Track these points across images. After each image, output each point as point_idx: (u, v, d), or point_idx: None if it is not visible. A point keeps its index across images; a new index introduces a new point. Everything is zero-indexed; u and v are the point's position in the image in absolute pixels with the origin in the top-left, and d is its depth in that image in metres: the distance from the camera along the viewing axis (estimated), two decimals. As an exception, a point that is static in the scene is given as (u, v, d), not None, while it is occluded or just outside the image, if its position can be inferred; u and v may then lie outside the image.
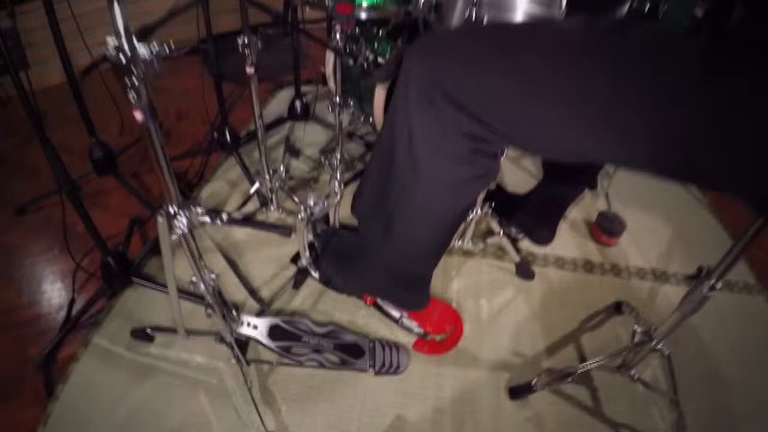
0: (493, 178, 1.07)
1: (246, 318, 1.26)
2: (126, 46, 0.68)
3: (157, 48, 0.72)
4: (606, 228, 1.73)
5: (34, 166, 1.92)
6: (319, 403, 1.24)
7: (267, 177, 1.63)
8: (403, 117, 0.98)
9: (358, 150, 2.03)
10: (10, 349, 1.34)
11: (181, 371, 1.29)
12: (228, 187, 1.86)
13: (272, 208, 1.71)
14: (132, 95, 0.74)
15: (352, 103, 1.89)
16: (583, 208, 1.88)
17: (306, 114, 2.14)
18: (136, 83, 0.73)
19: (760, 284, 1.64)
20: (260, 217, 1.73)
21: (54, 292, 1.49)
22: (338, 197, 1.39)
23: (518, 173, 2.03)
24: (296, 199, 1.69)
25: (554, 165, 1.61)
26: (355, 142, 2.05)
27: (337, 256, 1.39)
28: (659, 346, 1.20)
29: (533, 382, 1.26)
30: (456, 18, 1.13)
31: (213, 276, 1.08)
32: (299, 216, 1.31)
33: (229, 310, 1.22)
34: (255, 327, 1.25)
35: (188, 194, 1.79)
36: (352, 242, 1.40)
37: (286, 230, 1.64)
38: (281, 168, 1.72)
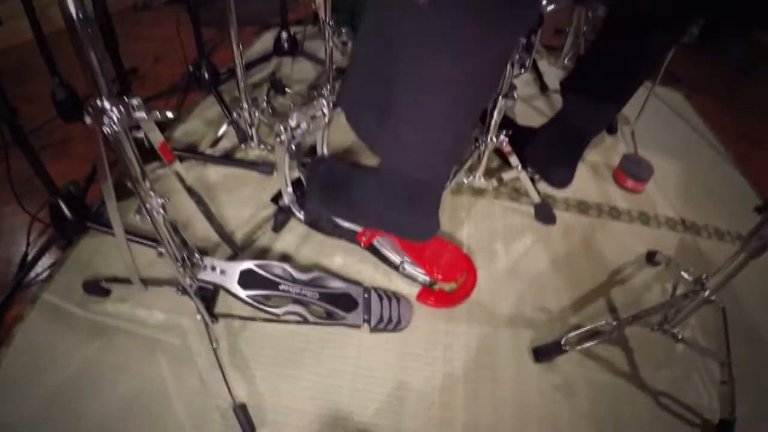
0: (532, 21, 0.76)
1: (210, 261, 0.96)
2: None
3: None
4: (632, 171, 1.45)
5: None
6: (300, 367, 0.96)
7: (245, 107, 1.33)
8: None
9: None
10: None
11: (138, 330, 1.01)
12: (204, 126, 1.56)
13: (252, 144, 1.41)
14: None
15: (344, 31, 1.59)
16: (603, 152, 1.61)
17: (294, 48, 1.82)
18: None
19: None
20: (239, 155, 1.43)
21: (8, 248, 1.20)
22: (326, 118, 1.09)
23: (530, 114, 1.75)
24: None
25: (576, 94, 1.31)
26: (348, 78, 1.74)
27: (325, 186, 1.09)
28: (713, 298, 0.94)
29: (563, 341, 0.99)
30: None
31: (161, 201, 0.79)
32: (279, 139, 1.02)
33: (190, 251, 0.93)
34: (222, 272, 0.96)
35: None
36: (343, 171, 1.10)
37: (267, 168, 1.34)
38: (262, 99, 1.41)
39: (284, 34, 1.82)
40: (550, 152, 1.38)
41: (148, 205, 0.81)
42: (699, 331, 1.11)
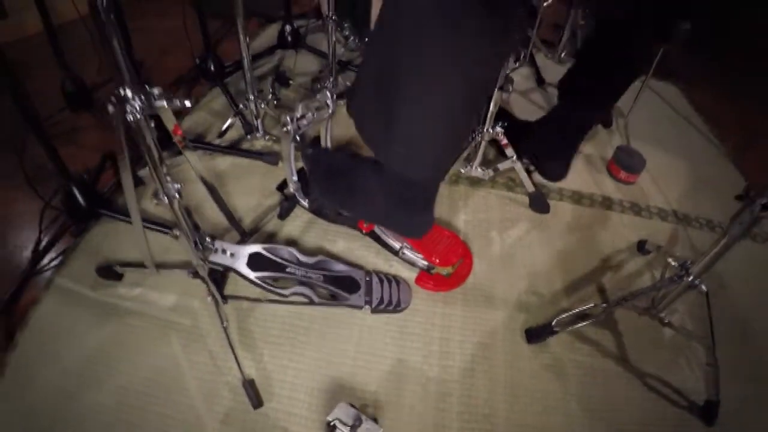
0: (517, 44, 0.83)
1: (221, 244, 1.02)
2: None
3: None
4: (625, 163, 1.50)
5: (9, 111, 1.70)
6: (306, 345, 1.02)
7: (252, 98, 1.38)
8: None
9: (352, 79, 1.76)
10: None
11: (151, 312, 1.07)
12: (211, 118, 1.61)
13: (258, 135, 1.46)
14: None
15: (347, 25, 1.64)
16: (597, 145, 1.66)
17: (297, 42, 1.87)
18: None
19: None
20: (245, 146, 1.48)
21: (21, 234, 1.25)
22: (330, 110, 1.14)
23: (527, 106, 1.80)
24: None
25: (571, 88, 1.37)
26: (349, 70, 1.79)
27: (328, 177, 1.14)
28: (697, 282, 0.99)
29: (553, 322, 1.05)
30: None
31: (178, 186, 0.85)
32: (285, 129, 1.07)
33: (201, 235, 0.99)
34: (232, 255, 1.02)
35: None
36: (345, 161, 1.15)
37: (272, 158, 1.39)
38: (268, 92, 1.46)
39: (288, 28, 1.86)
40: (546, 147, 1.43)
41: (165, 190, 0.87)
42: (687, 317, 1.15)
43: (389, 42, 0.84)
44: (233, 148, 1.45)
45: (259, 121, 1.44)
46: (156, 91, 0.75)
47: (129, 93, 0.72)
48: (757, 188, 0.85)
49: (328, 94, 1.14)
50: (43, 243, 1.20)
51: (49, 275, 1.13)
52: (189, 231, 0.92)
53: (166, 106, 0.75)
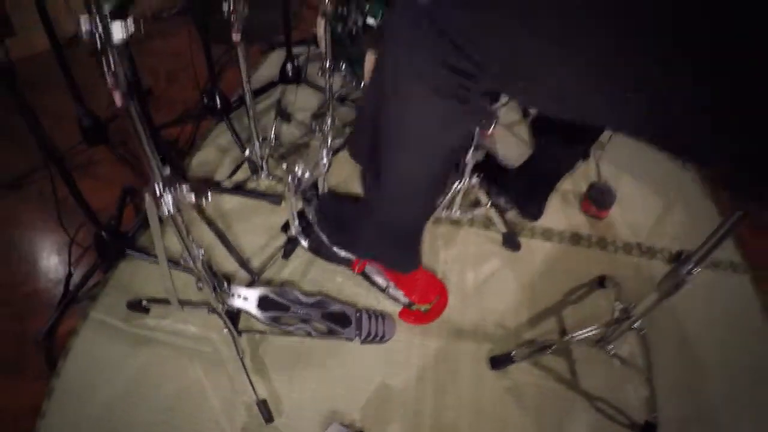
0: (486, 119, 1.05)
1: (236, 290, 1.27)
2: (100, 28, 0.65)
3: (132, 28, 0.71)
4: (596, 200, 1.69)
5: (27, 137, 1.84)
6: (307, 370, 1.28)
7: (257, 144, 1.62)
8: (390, 48, 0.94)
9: (349, 115, 1.98)
10: (9, 325, 1.34)
11: (177, 341, 1.31)
12: (218, 154, 1.82)
13: (262, 175, 1.70)
14: (109, 77, 0.72)
15: (343, 66, 1.85)
16: (574, 179, 1.83)
17: (297, 77, 2.09)
18: (113, 65, 0.71)
19: (745, 264, 1.62)
20: (251, 185, 1.72)
21: (50, 267, 1.48)
22: (326, 167, 1.38)
23: (511, 140, 1.98)
24: (285, 166, 1.66)
25: (547, 136, 1.57)
26: (346, 106, 2.01)
27: (336, 228, 1.39)
28: (636, 325, 1.21)
29: (513, 353, 1.28)
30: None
31: (202, 251, 1.09)
32: (288, 187, 1.31)
33: (219, 282, 1.23)
34: (245, 299, 1.27)
35: (177, 165, 1.75)
36: (343, 207, 1.40)
37: (276, 199, 1.63)
38: (271, 135, 1.70)
39: (289, 65, 2.07)
40: (524, 192, 1.64)
41: (192, 255, 1.08)
42: (635, 346, 1.36)
43: (376, 99, 1.01)
44: (239, 189, 1.68)
45: (263, 162, 1.67)
46: (185, 188, 0.97)
47: (163, 190, 0.92)
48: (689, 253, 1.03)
49: (324, 153, 1.38)
50: (74, 278, 1.40)
51: (83, 308, 1.36)
52: (209, 281, 1.16)
53: (194, 200, 0.98)
